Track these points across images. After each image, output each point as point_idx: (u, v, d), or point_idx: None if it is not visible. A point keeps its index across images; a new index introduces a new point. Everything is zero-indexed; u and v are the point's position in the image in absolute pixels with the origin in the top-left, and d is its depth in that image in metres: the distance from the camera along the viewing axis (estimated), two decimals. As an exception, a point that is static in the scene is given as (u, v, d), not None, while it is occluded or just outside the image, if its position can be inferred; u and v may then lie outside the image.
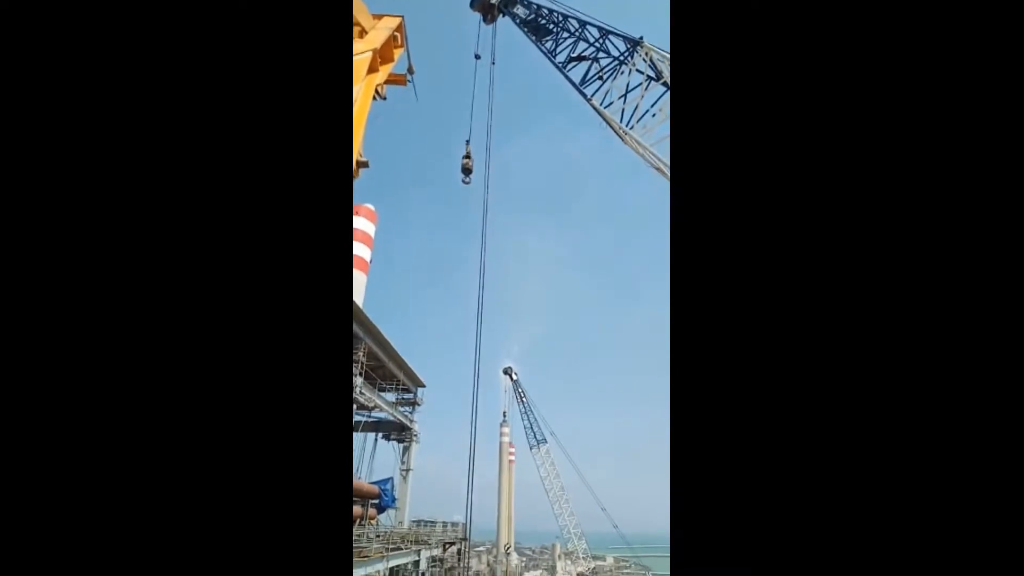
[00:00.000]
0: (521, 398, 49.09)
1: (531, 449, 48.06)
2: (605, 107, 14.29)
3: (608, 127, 14.37)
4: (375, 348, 17.78)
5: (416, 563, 17.24)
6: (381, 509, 20.49)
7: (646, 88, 13.48)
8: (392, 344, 18.89)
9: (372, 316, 16.98)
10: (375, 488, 20.02)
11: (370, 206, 28.81)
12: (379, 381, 19.74)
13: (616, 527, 49.63)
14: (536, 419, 48.26)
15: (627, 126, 13.63)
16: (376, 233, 29.01)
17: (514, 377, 50.23)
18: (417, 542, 18.22)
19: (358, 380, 15.40)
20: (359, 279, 26.25)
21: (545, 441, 47.87)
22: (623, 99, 13.97)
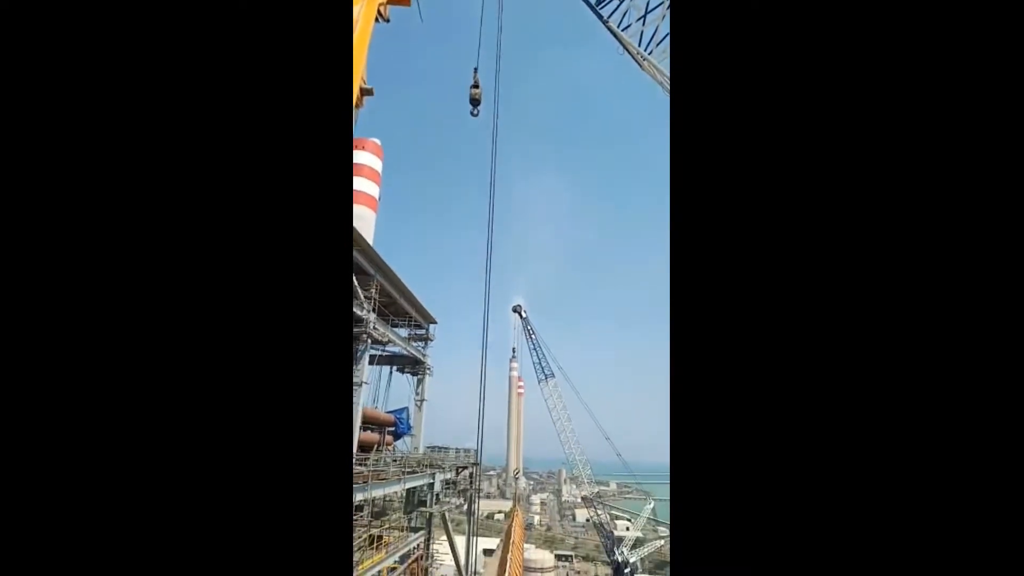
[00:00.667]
0: (530, 335, 50.10)
1: (539, 383, 49.68)
2: (623, 30, 13.35)
3: (626, 52, 13.51)
4: (386, 285, 17.99)
5: (431, 485, 18.46)
6: (397, 436, 21.70)
7: (668, 8, 12.51)
8: (403, 281, 19.10)
9: (382, 253, 17.06)
10: (391, 417, 21.08)
11: (376, 140, 28.06)
12: (392, 317, 20.17)
13: (619, 455, 52.28)
14: (544, 355, 49.51)
15: (646, 51, 12.80)
16: (383, 169, 28.48)
17: (523, 315, 50.98)
18: (431, 466, 19.41)
19: (371, 316, 15.74)
20: (368, 217, 26.11)
21: (553, 375, 49.37)
22: (642, 21, 13.03)
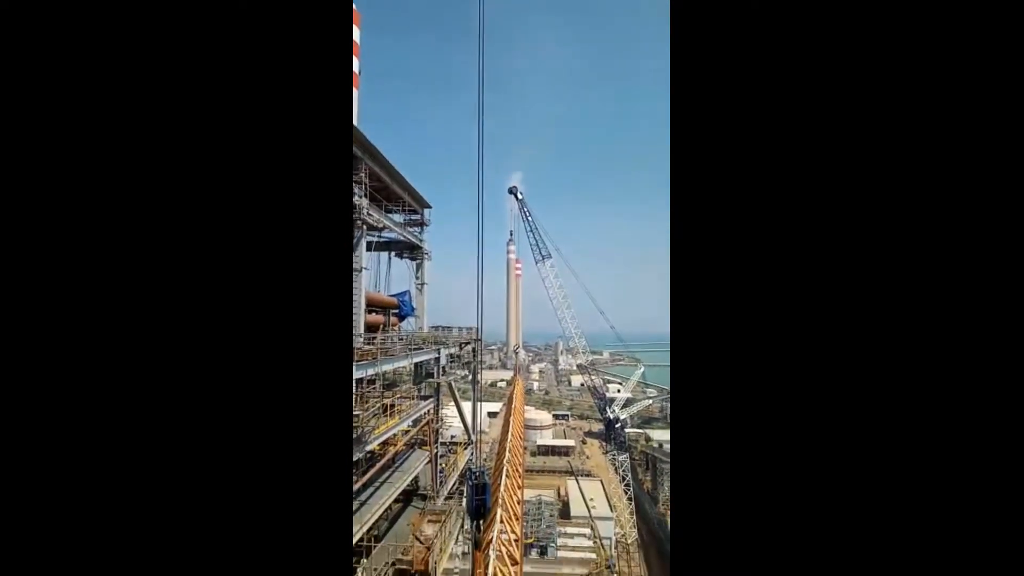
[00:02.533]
0: (526, 216, 49.78)
1: (536, 263, 50.63)
2: None
3: None
4: (376, 169, 17.38)
5: (436, 359, 19.82)
6: (401, 317, 22.70)
7: None
8: (393, 165, 18.43)
9: (369, 135, 16.19)
10: (394, 300, 21.85)
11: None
12: (385, 203, 19.85)
13: (613, 328, 55.39)
14: (540, 236, 49.71)
15: None
16: (361, 38, 25.72)
17: (519, 196, 50.12)
18: (436, 343, 20.65)
19: (364, 201, 15.47)
20: (349, 93, 24.20)
21: (549, 256, 50.12)
22: None
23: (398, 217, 22.08)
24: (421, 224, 23.74)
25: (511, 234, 53.47)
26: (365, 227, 15.99)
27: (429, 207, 23.87)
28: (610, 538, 41.29)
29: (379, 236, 21.35)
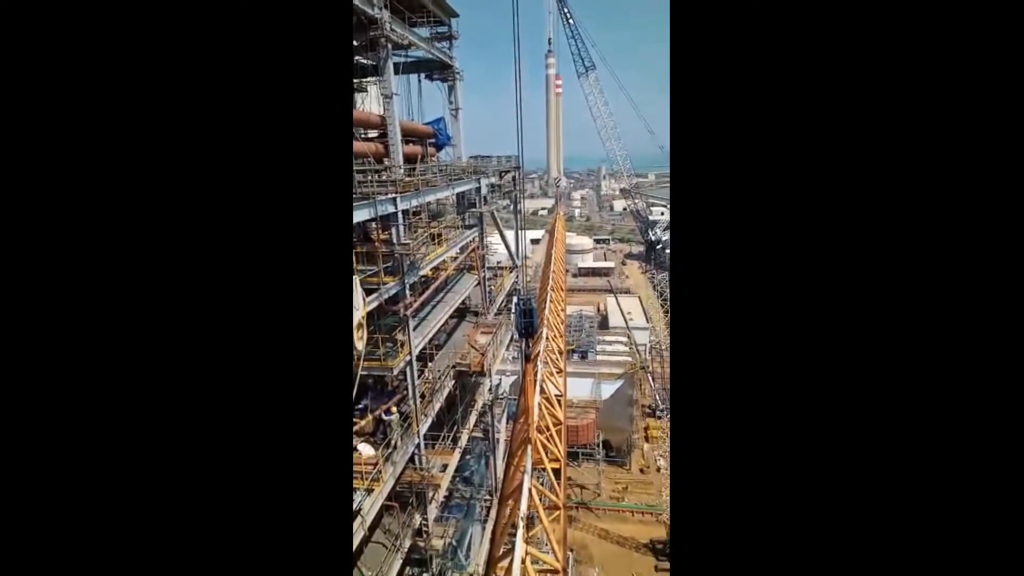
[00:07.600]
0: (567, 19, 43.50)
1: (579, 77, 45.97)
2: None
3: None
4: (393, -29, 15.11)
5: (477, 189, 19.88)
6: (439, 147, 22.19)
7: None
8: (411, -37, 15.91)
9: (379, -76, 13.65)
10: (429, 128, 21.11)
11: None
12: (407, 14, 17.75)
13: (661, 147, 52.08)
14: (584, 43, 44.02)
15: None
16: None
17: (558, -7, 43.09)
18: (476, 172, 20.45)
19: (384, 13, 13.87)
20: None
21: (594, 67, 45.10)
22: None
23: (423, 31, 19.91)
24: (450, 38, 21.42)
25: (549, 43, 47.72)
26: (390, 46, 14.63)
27: (456, 15, 21.23)
28: (645, 344, 45.49)
29: (406, 56, 19.64)
